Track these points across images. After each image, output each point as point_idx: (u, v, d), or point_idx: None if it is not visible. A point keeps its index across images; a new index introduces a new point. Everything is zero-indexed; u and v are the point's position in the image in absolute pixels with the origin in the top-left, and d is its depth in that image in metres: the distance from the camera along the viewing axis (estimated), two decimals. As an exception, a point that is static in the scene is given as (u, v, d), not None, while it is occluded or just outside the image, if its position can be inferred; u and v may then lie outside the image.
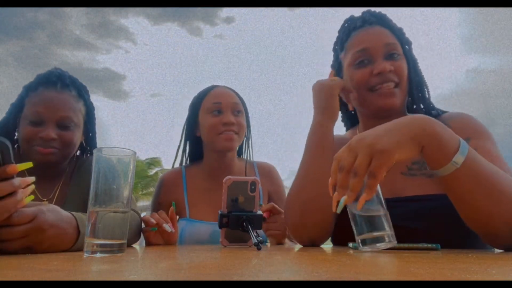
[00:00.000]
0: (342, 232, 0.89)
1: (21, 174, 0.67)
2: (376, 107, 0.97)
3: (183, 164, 1.40)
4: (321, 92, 0.99)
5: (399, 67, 0.96)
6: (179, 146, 1.39)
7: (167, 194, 1.31)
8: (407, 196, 0.91)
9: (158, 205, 1.30)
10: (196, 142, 1.36)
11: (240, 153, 1.43)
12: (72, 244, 0.70)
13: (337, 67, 1.09)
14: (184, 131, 1.37)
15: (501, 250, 0.73)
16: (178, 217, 1.27)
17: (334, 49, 1.11)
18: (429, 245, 0.76)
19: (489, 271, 0.40)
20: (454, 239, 0.82)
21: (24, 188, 0.65)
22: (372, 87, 0.96)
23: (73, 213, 0.74)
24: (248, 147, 1.41)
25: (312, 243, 0.94)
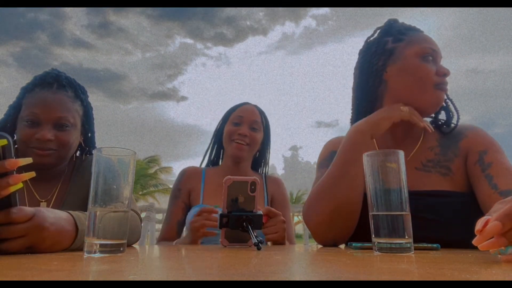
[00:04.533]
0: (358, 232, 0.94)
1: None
2: (432, 101, 1.02)
3: (204, 166, 1.59)
4: (385, 112, 1.00)
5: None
6: (207, 150, 1.58)
7: (187, 181, 1.46)
8: (426, 190, 0.97)
9: (177, 191, 1.45)
10: (220, 148, 1.55)
11: (256, 168, 1.59)
12: (72, 242, 0.70)
13: (386, 53, 1.08)
14: (213, 137, 1.56)
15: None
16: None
17: (380, 39, 1.11)
18: (429, 245, 0.76)
19: (489, 271, 0.40)
20: (467, 234, 0.86)
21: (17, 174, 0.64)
22: (436, 84, 1.02)
23: (70, 211, 0.74)
24: (264, 163, 1.58)
25: (334, 243, 0.97)
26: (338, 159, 0.98)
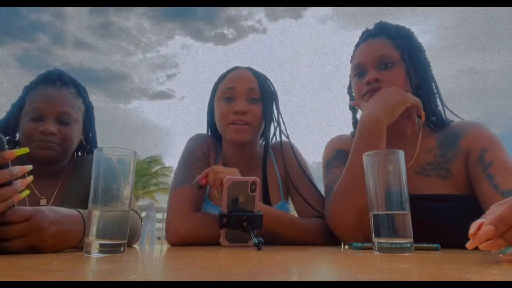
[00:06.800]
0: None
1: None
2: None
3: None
4: (398, 95, 0.97)
5: (388, 76, 1.02)
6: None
7: (208, 150, 1.19)
8: (425, 194, 0.96)
9: (201, 155, 1.16)
10: (217, 135, 1.24)
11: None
12: (79, 240, 0.71)
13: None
14: (207, 118, 1.27)
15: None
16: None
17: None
18: (429, 245, 0.76)
19: (489, 271, 0.40)
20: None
21: (22, 178, 0.65)
22: (364, 94, 1.05)
23: (79, 209, 0.74)
24: (276, 135, 1.22)
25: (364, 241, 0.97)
26: (358, 156, 0.92)
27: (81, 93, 1.16)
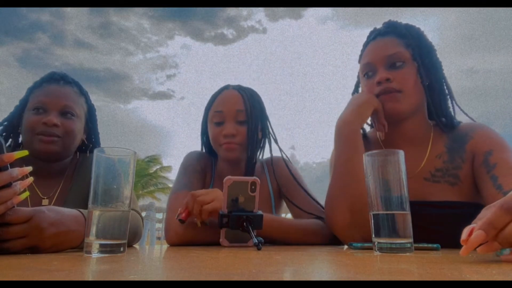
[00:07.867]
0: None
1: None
2: (384, 108, 1.03)
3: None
4: (361, 97, 1.04)
5: (399, 75, 1.01)
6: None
7: (205, 166, 1.25)
8: (432, 201, 0.96)
9: (198, 167, 1.22)
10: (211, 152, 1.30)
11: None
12: (80, 240, 0.71)
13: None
14: (201, 136, 1.33)
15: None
16: None
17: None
18: (429, 245, 0.76)
19: (489, 271, 0.40)
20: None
21: (22, 179, 0.65)
22: (377, 95, 1.03)
23: (81, 210, 0.74)
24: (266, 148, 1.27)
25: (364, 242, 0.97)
26: (339, 158, 0.98)
27: (84, 93, 1.18)
